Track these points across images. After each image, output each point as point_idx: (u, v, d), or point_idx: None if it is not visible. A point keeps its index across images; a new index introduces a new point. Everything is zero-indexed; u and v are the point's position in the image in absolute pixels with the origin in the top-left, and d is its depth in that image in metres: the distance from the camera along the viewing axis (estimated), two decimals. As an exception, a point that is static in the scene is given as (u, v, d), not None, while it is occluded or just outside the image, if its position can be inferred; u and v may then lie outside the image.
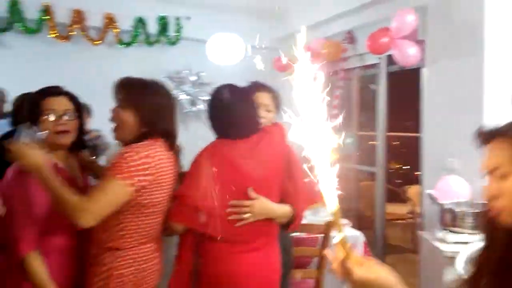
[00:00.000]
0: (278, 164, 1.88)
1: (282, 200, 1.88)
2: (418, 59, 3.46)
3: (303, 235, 2.79)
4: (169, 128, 1.76)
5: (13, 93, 2.95)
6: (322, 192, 0.85)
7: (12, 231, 1.55)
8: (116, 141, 1.81)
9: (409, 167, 6.40)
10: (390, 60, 3.80)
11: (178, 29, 5.04)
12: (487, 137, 0.96)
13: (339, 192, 0.85)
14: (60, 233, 1.66)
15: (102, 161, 3.57)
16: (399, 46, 3.43)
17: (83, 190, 1.72)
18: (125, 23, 4.82)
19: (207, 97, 1.97)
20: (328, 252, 0.90)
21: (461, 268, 2.09)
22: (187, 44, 5.06)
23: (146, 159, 1.60)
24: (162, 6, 4.96)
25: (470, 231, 2.57)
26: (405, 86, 4.48)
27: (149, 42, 4.96)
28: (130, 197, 1.58)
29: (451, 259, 2.33)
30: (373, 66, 4.28)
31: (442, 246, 2.55)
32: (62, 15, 4.54)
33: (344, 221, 3.19)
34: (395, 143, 6.39)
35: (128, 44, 4.86)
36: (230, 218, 1.76)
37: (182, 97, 5.17)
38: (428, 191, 3.04)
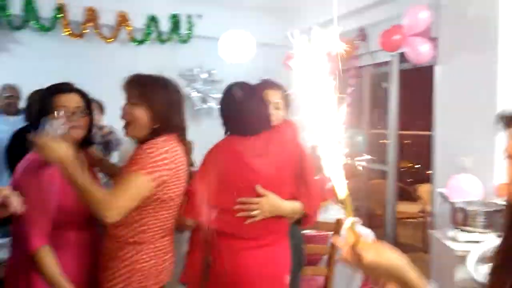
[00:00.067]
0: (289, 162, 1.88)
1: (293, 198, 1.88)
2: (430, 56, 3.43)
3: (313, 232, 2.79)
4: (181, 123, 1.79)
5: (27, 89, 2.99)
6: (331, 179, 0.85)
7: (24, 225, 1.55)
8: (128, 138, 1.83)
9: (420, 165, 6.35)
10: (402, 57, 3.78)
11: (190, 27, 5.07)
12: (509, 120, 0.95)
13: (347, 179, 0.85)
14: (72, 227, 1.67)
15: (114, 157, 3.62)
16: (411, 44, 3.41)
17: None
18: (138, 21, 4.86)
19: (218, 95, 1.99)
20: (337, 239, 0.90)
21: (472, 267, 2.08)
22: (198, 42, 5.08)
23: (166, 154, 1.64)
24: (174, 4, 4.98)
25: (481, 230, 2.55)
26: (417, 84, 4.44)
27: (161, 40, 4.99)
28: (152, 191, 1.61)
29: (462, 258, 2.32)
30: (385, 63, 4.25)
31: (453, 245, 2.54)
32: (75, 13, 4.60)
33: (355, 219, 3.17)
34: (406, 141, 6.34)
35: (140, 42, 4.90)
36: (239, 215, 1.78)
37: (194, 94, 5.20)
38: (439, 190, 3.03)
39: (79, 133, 1.73)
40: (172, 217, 1.74)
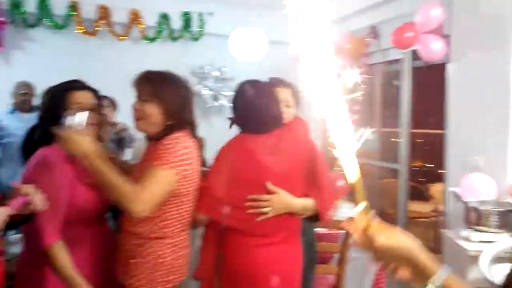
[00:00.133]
0: (301, 159, 1.89)
1: (305, 195, 1.88)
2: (443, 54, 3.40)
3: (324, 230, 2.79)
4: (192, 118, 1.81)
5: (41, 87, 3.03)
6: (342, 163, 0.85)
7: (37, 221, 1.54)
8: (140, 133, 1.85)
9: (432, 165, 6.29)
10: (415, 55, 3.75)
11: (201, 25, 5.08)
12: None
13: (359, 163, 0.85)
14: (83, 223, 1.67)
15: (127, 154, 3.65)
16: (423, 41, 3.38)
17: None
18: (150, 19, 4.89)
19: (230, 93, 2.00)
20: (348, 223, 0.90)
21: (485, 267, 2.06)
22: (209, 39, 5.09)
23: (186, 150, 1.67)
24: (185, 2, 5.00)
25: (495, 230, 2.52)
26: (430, 82, 4.40)
27: (173, 37, 5.02)
28: (175, 186, 1.64)
29: (475, 258, 2.30)
30: (396, 61, 4.23)
31: (466, 245, 2.52)
32: (88, 11, 4.64)
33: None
34: (418, 140, 6.29)
35: (152, 40, 4.93)
36: (249, 212, 1.78)
37: (205, 92, 5.22)
38: (452, 189, 3.00)
39: (93, 130, 1.74)
40: (190, 211, 1.76)
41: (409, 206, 4.30)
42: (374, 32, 4.30)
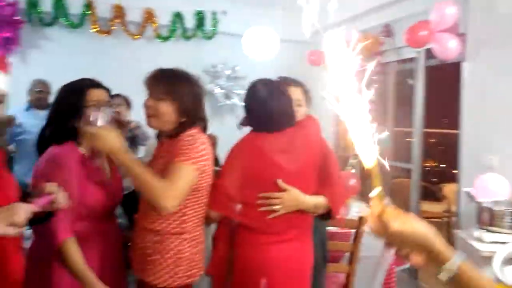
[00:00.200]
0: (313, 157, 1.89)
1: (317, 193, 1.89)
2: (458, 52, 3.36)
3: (335, 229, 2.79)
4: (204, 115, 1.84)
5: (57, 85, 3.08)
6: (359, 149, 0.86)
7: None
8: (153, 129, 1.86)
9: (444, 165, 6.23)
10: (429, 53, 3.71)
11: (215, 24, 5.10)
12: None
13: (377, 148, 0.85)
14: (92, 220, 1.67)
15: (141, 152, 3.69)
16: (438, 40, 3.34)
17: (112, 181, 1.76)
18: (164, 18, 4.93)
19: (242, 91, 2.02)
20: (362, 210, 0.91)
21: (498, 268, 2.05)
22: (222, 38, 5.11)
23: (203, 146, 1.70)
24: (199, 1, 5.03)
25: (508, 231, 2.49)
26: (444, 81, 4.36)
27: (186, 36, 5.05)
28: (195, 181, 1.66)
29: (488, 259, 2.28)
30: (410, 60, 4.19)
31: (478, 246, 2.49)
32: (103, 10, 4.70)
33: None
34: (431, 140, 6.24)
35: (166, 39, 4.97)
36: (261, 209, 1.80)
37: (217, 91, 5.24)
38: (465, 189, 2.97)
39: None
40: (205, 206, 1.78)
41: (421, 206, 4.27)
42: (387, 30, 4.26)
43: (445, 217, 4.95)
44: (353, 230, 2.62)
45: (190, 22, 5.05)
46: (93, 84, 1.74)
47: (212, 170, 1.77)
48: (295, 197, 1.81)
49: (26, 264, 1.64)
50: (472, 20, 3.30)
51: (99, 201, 1.67)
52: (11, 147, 3.71)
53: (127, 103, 3.77)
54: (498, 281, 1.97)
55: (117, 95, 3.76)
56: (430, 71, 4.03)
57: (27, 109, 3.85)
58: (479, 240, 2.54)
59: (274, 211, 1.79)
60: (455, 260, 0.83)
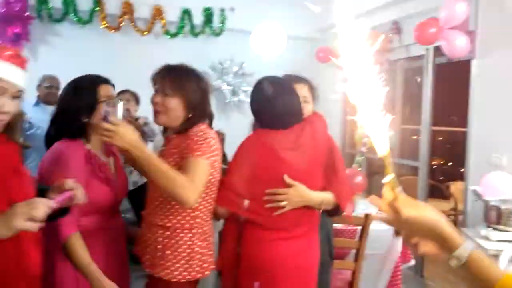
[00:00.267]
0: (320, 154, 1.90)
1: (324, 189, 1.89)
2: (467, 50, 3.33)
3: (342, 226, 2.80)
4: (210, 111, 1.85)
5: (66, 80, 3.10)
6: (372, 137, 0.86)
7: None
8: (160, 125, 1.87)
9: (452, 163, 6.20)
10: (438, 51, 3.69)
11: (223, 20, 5.11)
12: None
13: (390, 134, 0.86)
14: (96, 216, 1.68)
15: (149, 148, 3.72)
16: (447, 37, 3.32)
17: (117, 177, 1.77)
18: (172, 14, 4.94)
19: (249, 88, 2.02)
20: (373, 198, 0.91)
21: (505, 267, 2.04)
22: (229, 35, 5.12)
23: (214, 141, 1.70)
24: (207, -3, 5.04)
25: (516, 230, 2.49)
26: (453, 79, 4.33)
27: (194, 33, 5.06)
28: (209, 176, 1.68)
29: (494, 258, 2.28)
30: (419, 57, 4.16)
31: (485, 244, 2.49)
32: (112, 7, 4.73)
33: (384, 215, 3.15)
34: (439, 138, 6.20)
35: (174, 35, 4.98)
36: (267, 206, 1.80)
37: (224, 87, 5.25)
38: (472, 187, 2.96)
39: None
40: (214, 201, 1.79)
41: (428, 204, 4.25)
42: (396, 27, 4.24)
43: (452, 215, 4.93)
44: (359, 227, 2.63)
45: (198, 18, 5.06)
46: (102, 80, 1.74)
47: (220, 166, 1.78)
48: (301, 193, 1.81)
49: None
50: (482, 18, 3.27)
51: (104, 197, 1.67)
52: (24, 142, 3.75)
53: (136, 98, 3.80)
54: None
55: (126, 91, 3.78)
56: (439, 69, 4.00)
57: (36, 104, 3.88)
58: (486, 238, 2.53)
59: (281, 207, 1.80)
60: (466, 247, 0.83)
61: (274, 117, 1.85)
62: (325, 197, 1.88)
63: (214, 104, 1.89)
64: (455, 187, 4.86)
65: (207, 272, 1.74)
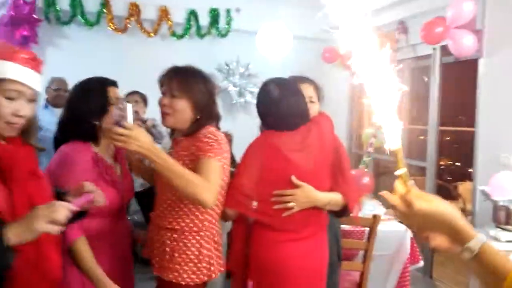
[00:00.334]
0: (327, 154, 1.90)
1: (332, 190, 1.89)
2: (474, 49, 3.31)
3: (350, 227, 2.79)
4: (218, 112, 1.85)
5: (73, 82, 3.12)
6: (384, 130, 0.87)
7: None
8: (169, 130, 1.87)
9: (459, 163, 6.16)
10: (445, 50, 3.67)
11: (229, 21, 5.11)
12: None
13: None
14: (102, 218, 1.67)
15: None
16: (454, 36, 3.30)
17: (123, 180, 1.77)
18: (178, 16, 4.96)
19: (255, 89, 2.02)
20: (385, 193, 0.91)
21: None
22: (235, 35, 5.12)
23: (224, 143, 1.70)
24: (213, -2, 5.04)
25: (525, 230, 2.47)
26: (460, 78, 4.30)
27: (201, 34, 5.06)
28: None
29: (504, 258, 2.26)
30: (426, 57, 4.14)
31: (494, 244, 2.46)
32: (119, 8, 4.75)
33: (392, 215, 3.14)
34: (446, 138, 6.17)
35: (180, 36, 4.99)
36: (275, 207, 1.80)
37: (231, 88, 5.26)
38: (481, 188, 2.94)
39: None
40: (221, 204, 1.79)
41: (436, 205, 4.22)
42: (403, 27, 4.22)
43: (460, 215, 4.90)
44: (367, 228, 2.62)
45: (204, 19, 5.07)
46: (110, 82, 1.75)
47: (229, 169, 1.78)
48: (308, 193, 1.81)
49: None
50: (489, 17, 3.25)
51: (110, 200, 1.65)
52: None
53: (144, 100, 3.82)
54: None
55: (134, 92, 3.81)
56: (446, 68, 3.98)
57: (44, 106, 3.91)
58: (495, 239, 2.52)
59: (289, 208, 1.80)
60: (478, 240, 0.83)
61: (280, 119, 1.85)
62: (332, 198, 1.88)
63: (220, 105, 1.89)
64: (463, 187, 4.83)
65: (214, 275, 1.74)
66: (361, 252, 2.67)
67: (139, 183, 2.99)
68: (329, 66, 4.81)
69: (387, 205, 0.91)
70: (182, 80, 1.74)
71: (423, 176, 4.31)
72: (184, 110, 1.73)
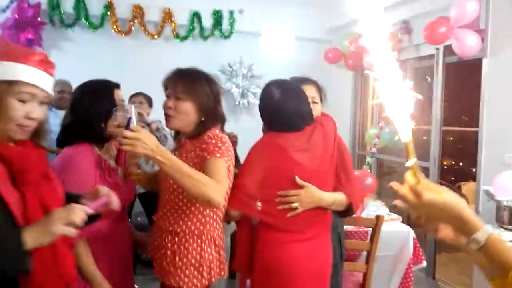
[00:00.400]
0: (331, 155, 1.90)
1: (336, 190, 1.90)
2: (478, 49, 3.31)
3: (353, 228, 2.79)
4: (223, 114, 1.84)
5: (77, 85, 3.14)
6: (395, 123, 0.88)
7: None
8: (173, 133, 1.87)
9: (462, 163, 6.13)
10: (448, 50, 3.67)
11: (232, 23, 5.12)
12: None
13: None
14: (104, 221, 1.64)
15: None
16: (458, 36, 3.30)
17: (125, 182, 1.78)
18: (181, 18, 4.97)
19: (258, 90, 2.02)
20: (393, 184, 0.92)
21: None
22: (238, 37, 5.13)
23: (228, 143, 1.70)
24: (216, 0, 5.05)
25: (529, 230, 2.46)
26: (464, 78, 4.29)
27: (204, 36, 5.08)
28: None
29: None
30: (429, 57, 4.14)
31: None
32: (123, 11, 4.77)
33: (395, 216, 3.14)
34: (450, 138, 6.14)
35: (184, 38, 5.01)
36: (280, 207, 1.81)
37: (234, 89, 5.27)
38: (485, 188, 2.94)
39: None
40: (224, 206, 1.78)
41: (440, 205, 4.21)
42: (406, 27, 4.22)
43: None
44: (370, 229, 2.62)
45: (207, 21, 5.08)
46: (114, 84, 1.75)
47: (233, 171, 1.77)
48: (313, 193, 1.81)
49: None
50: (492, 16, 3.24)
51: None
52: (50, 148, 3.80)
53: (149, 101, 3.83)
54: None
55: (139, 94, 3.82)
56: (449, 68, 3.98)
57: (49, 109, 3.93)
58: (499, 239, 2.51)
59: (294, 209, 1.80)
60: (485, 231, 0.84)
61: (283, 121, 1.85)
62: (336, 198, 1.88)
63: (223, 106, 1.89)
64: (466, 187, 4.81)
65: (214, 280, 1.74)
66: (364, 253, 2.67)
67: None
68: (332, 67, 4.81)
69: (397, 195, 0.92)
70: (187, 82, 1.73)
71: (426, 176, 4.30)
72: (189, 112, 1.72)
